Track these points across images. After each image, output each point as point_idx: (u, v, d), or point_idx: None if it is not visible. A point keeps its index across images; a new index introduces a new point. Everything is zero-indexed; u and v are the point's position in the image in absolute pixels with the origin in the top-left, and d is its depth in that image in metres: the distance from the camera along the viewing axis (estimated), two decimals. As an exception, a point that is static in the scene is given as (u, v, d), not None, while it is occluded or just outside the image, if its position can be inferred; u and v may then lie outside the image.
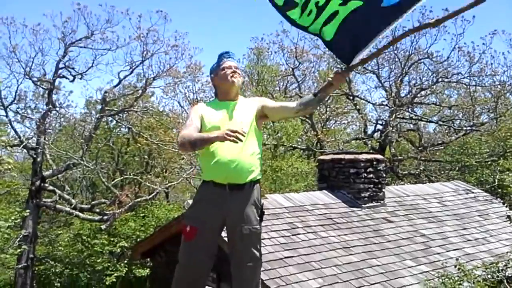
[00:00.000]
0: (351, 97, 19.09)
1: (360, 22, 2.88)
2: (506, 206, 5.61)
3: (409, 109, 18.79)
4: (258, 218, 3.07)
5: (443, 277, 5.09)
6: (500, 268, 5.33)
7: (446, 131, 19.99)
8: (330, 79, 2.97)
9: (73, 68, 15.50)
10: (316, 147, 18.49)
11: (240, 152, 2.95)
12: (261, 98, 3.25)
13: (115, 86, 16.50)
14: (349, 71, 3.10)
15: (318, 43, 18.58)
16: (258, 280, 3.13)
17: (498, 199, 6.72)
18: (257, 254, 3.08)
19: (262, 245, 6.70)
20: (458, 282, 4.85)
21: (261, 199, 3.14)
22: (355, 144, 19.69)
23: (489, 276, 5.24)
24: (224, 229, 3.14)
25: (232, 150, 2.94)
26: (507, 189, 5.41)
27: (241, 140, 2.71)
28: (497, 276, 5.17)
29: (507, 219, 5.51)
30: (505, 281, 4.98)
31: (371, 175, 8.99)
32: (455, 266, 5.39)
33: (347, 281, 6.44)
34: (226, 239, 3.24)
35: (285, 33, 18.60)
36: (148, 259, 11.81)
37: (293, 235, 7.33)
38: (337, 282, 6.35)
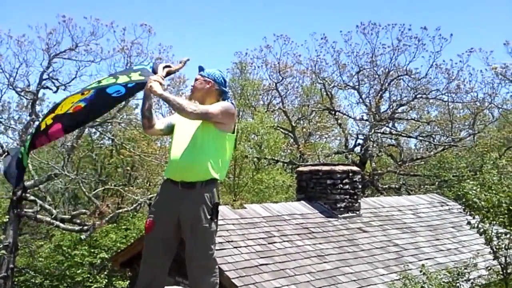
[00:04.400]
0: (333, 112, 19.41)
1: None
2: (466, 213, 5.86)
3: (389, 124, 19.17)
4: (209, 217, 3.14)
5: (404, 279, 5.29)
6: (462, 272, 5.56)
7: (427, 146, 20.40)
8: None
9: (57, 79, 15.61)
10: (299, 160, 18.74)
11: (191, 151, 3.14)
12: (218, 103, 3.29)
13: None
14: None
15: (300, 58, 18.98)
16: (212, 280, 3.19)
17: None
18: (208, 251, 3.17)
19: (238, 252, 6.98)
20: (421, 285, 5.05)
21: (216, 198, 3.21)
22: (336, 158, 19.98)
23: (451, 279, 5.45)
24: None
25: (184, 150, 3.15)
26: (467, 196, 5.67)
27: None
28: (457, 279, 5.39)
29: (468, 224, 5.75)
30: (464, 285, 5.21)
31: (347, 186, 9.21)
32: (420, 271, 5.59)
33: (320, 287, 6.61)
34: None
35: (268, 49, 18.95)
36: (128, 269, 11.83)
37: (269, 243, 7.49)
38: (310, 289, 6.52)
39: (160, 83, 3.16)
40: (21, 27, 40.52)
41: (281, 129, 19.33)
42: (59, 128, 3.38)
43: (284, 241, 7.69)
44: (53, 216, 15.05)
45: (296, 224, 8.37)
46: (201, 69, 3.38)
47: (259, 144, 16.99)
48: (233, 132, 3.31)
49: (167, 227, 3.19)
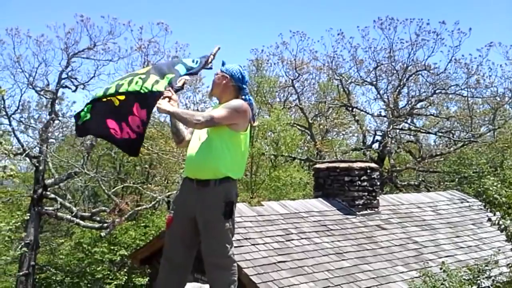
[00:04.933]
0: (350, 108, 19.29)
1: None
2: (487, 210, 5.77)
3: (408, 120, 18.97)
4: (222, 215, 3.12)
5: (424, 276, 5.23)
6: (482, 269, 5.48)
7: (447, 142, 20.14)
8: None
9: (75, 78, 15.80)
10: (316, 157, 18.66)
11: (204, 151, 3.15)
12: (224, 104, 3.23)
13: (116, 96, 16.67)
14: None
15: (317, 55, 18.87)
16: (229, 278, 3.16)
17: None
18: (222, 249, 3.15)
19: (256, 249, 6.98)
20: (441, 282, 4.99)
21: (231, 196, 3.18)
22: (354, 154, 19.85)
23: (471, 277, 5.38)
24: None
25: (198, 149, 3.18)
26: (487, 193, 5.58)
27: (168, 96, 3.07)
28: (478, 276, 5.31)
29: (488, 221, 5.66)
30: (485, 282, 5.13)
31: (365, 183, 9.14)
32: (441, 268, 5.53)
33: (339, 285, 6.58)
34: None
35: (284, 45, 18.88)
36: (147, 266, 11.94)
37: (287, 240, 7.48)
38: (329, 286, 6.49)
39: (170, 98, 3.09)
40: (39, 27, 41.13)
41: (297, 126, 19.27)
42: (145, 113, 3.22)
43: (302, 238, 7.67)
44: (73, 214, 15.25)
45: (314, 221, 8.34)
46: (223, 64, 3.38)
47: (276, 141, 16.94)
48: (246, 130, 3.24)
49: (185, 223, 3.21)
